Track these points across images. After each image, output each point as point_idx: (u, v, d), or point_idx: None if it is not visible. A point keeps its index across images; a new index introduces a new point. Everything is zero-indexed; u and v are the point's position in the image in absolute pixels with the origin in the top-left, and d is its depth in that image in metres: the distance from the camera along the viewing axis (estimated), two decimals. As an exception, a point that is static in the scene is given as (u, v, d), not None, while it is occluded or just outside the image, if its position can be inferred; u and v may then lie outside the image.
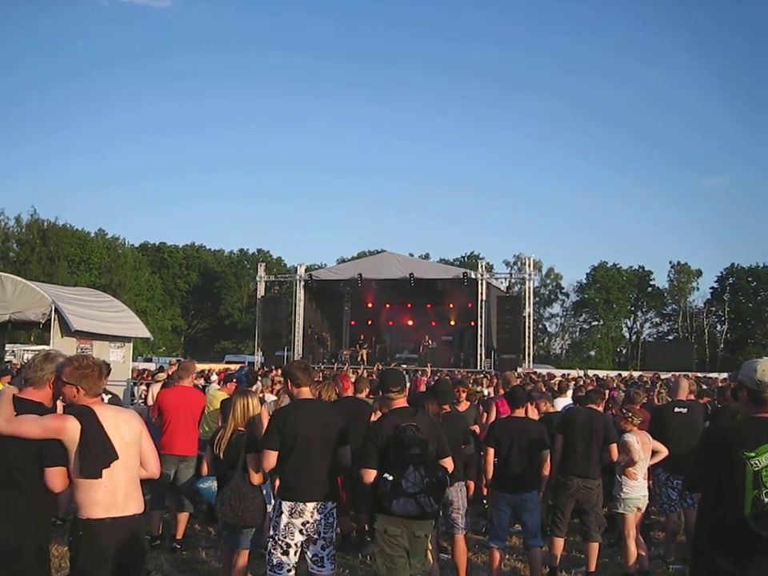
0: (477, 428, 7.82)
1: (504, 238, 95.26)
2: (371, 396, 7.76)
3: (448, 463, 4.64)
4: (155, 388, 9.93)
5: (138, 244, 66.91)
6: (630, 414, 6.52)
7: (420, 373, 22.14)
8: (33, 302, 11.91)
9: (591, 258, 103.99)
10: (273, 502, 5.27)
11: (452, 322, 33.24)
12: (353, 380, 8.07)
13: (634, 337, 66.46)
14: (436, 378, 16.74)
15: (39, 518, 3.59)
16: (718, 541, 2.95)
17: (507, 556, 6.70)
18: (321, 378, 12.84)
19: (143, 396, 12.56)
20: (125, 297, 42.77)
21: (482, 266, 31.38)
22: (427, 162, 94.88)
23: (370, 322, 34.33)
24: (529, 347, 30.79)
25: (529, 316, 31.30)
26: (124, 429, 3.68)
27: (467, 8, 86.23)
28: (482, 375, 19.37)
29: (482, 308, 29.79)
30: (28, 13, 79.82)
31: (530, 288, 31.78)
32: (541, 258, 64.24)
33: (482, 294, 29.98)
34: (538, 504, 6.16)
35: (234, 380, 8.98)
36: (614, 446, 6.40)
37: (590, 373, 26.26)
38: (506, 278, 36.33)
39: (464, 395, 7.61)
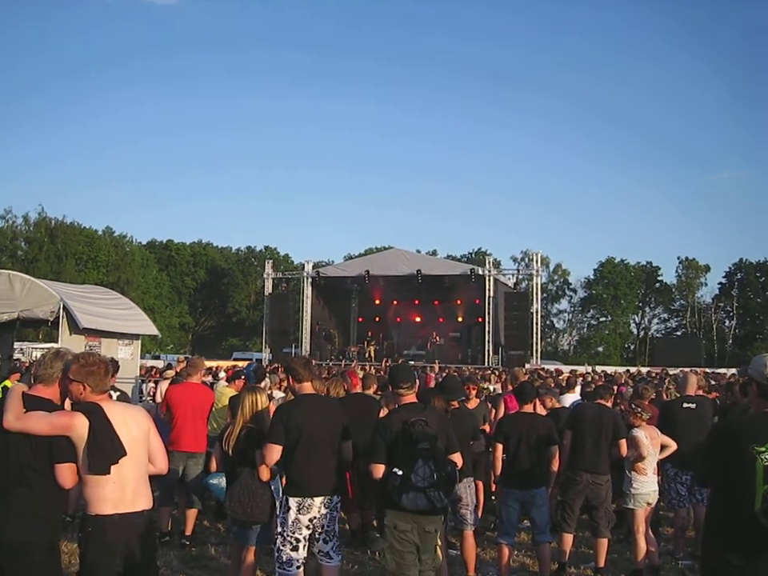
0: (487, 427, 7.78)
1: (511, 234, 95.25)
2: (379, 393, 7.76)
3: (457, 458, 4.63)
4: (163, 385, 9.94)
5: (146, 242, 67.38)
6: (639, 410, 6.49)
7: (429, 369, 22.12)
8: (41, 300, 11.93)
9: (599, 253, 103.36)
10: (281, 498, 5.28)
11: (459, 319, 33.24)
12: (361, 377, 8.08)
13: (642, 333, 66.16)
14: (444, 374, 16.72)
15: (49, 515, 3.60)
16: (727, 536, 2.93)
17: (516, 552, 6.68)
18: (328, 375, 12.86)
19: (152, 393, 12.60)
20: (132, 294, 42.94)
21: (489, 263, 31.28)
22: (433, 159, 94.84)
23: (377, 319, 34.39)
24: (536, 343, 30.80)
25: (536, 312, 31.29)
26: (132, 425, 3.68)
27: (471, 7, 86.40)
28: (489, 371, 19.35)
29: (489, 304, 29.80)
30: (34, 10, 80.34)
31: (537, 284, 31.75)
32: (548, 254, 64.05)
33: (489, 290, 29.99)
34: (547, 500, 6.14)
35: (242, 377, 8.98)
36: (623, 442, 6.38)
37: (598, 369, 26.17)
38: (513, 274, 36.15)
39: (474, 393, 7.62)
